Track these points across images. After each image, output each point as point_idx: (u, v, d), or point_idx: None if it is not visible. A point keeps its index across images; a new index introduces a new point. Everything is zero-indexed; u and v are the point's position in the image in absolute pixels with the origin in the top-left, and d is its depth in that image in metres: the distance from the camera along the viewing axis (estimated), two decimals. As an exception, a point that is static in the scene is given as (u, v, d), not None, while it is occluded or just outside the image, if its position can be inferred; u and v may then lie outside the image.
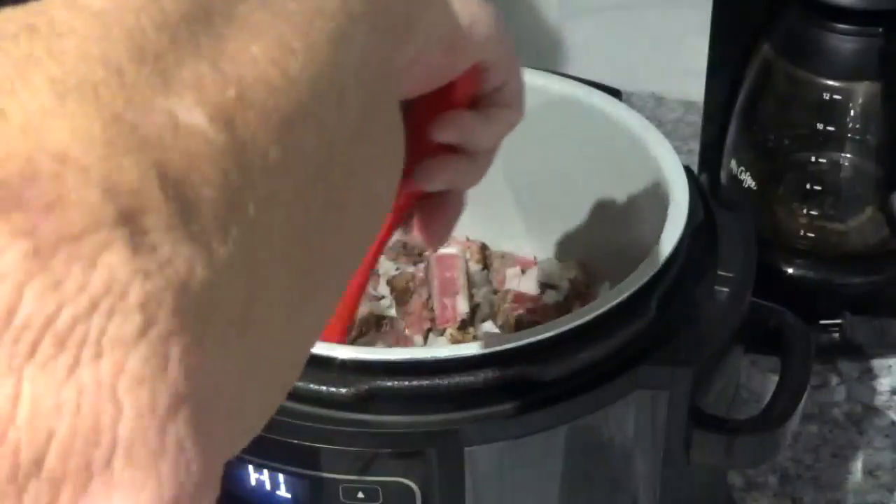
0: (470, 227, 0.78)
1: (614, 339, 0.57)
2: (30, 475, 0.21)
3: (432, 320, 0.73)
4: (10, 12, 0.24)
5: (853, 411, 0.83)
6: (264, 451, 0.56)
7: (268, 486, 0.57)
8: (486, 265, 0.77)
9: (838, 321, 0.84)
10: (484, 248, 0.79)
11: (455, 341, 0.71)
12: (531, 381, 0.55)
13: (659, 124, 0.82)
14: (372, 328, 0.73)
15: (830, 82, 0.81)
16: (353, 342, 0.72)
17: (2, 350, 0.21)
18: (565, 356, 0.55)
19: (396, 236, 0.78)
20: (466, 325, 0.72)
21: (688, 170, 0.66)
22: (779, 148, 0.86)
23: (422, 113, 0.46)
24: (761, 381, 0.84)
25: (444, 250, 0.77)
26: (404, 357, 0.55)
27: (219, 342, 0.24)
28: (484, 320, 0.74)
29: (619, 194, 0.72)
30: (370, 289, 0.75)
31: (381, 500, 0.55)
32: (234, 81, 0.25)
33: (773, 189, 0.86)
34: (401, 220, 0.53)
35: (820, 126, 0.82)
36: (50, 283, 0.21)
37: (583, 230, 0.76)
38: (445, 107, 0.47)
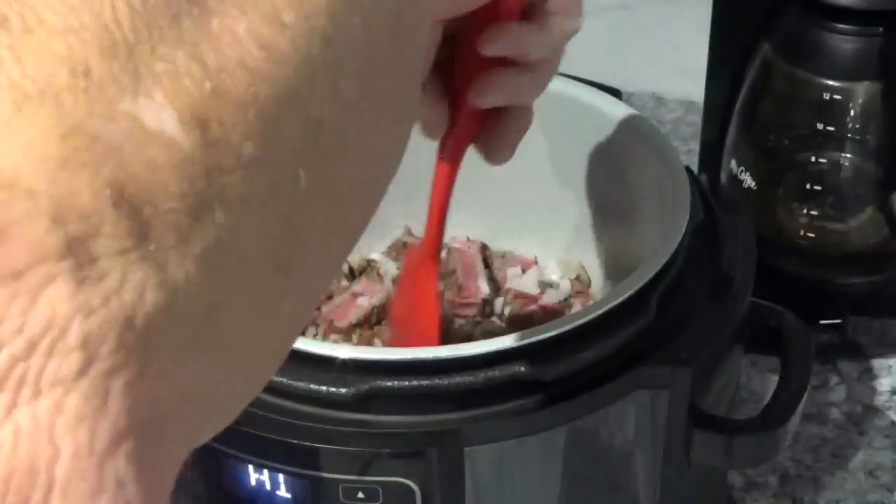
0: (470, 227, 0.78)
1: (614, 339, 0.57)
2: None
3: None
4: None
5: (853, 411, 0.83)
6: (264, 451, 0.56)
7: (268, 486, 0.57)
8: (486, 265, 0.77)
9: (838, 321, 0.84)
10: (484, 248, 0.79)
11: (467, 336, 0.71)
12: (531, 381, 0.55)
13: (659, 124, 0.82)
14: (387, 314, 0.73)
15: (830, 82, 0.81)
16: (372, 327, 0.72)
17: None
18: (565, 356, 0.55)
19: (396, 237, 0.79)
20: (488, 313, 0.73)
21: (688, 170, 0.66)
22: (779, 148, 0.86)
23: (473, 26, 0.45)
24: (761, 381, 0.84)
25: (454, 245, 0.77)
26: (404, 357, 0.55)
27: (172, 366, 0.23)
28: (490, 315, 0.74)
29: (619, 194, 0.72)
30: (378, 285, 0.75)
31: (381, 500, 0.55)
32: (213, 71, 0.24)
33: (773, 189, 0.86)
34: (468, 139, 0.52)
35: (820, 126, 0.82)
36: None
37: (583, 230, 0.76)
38: (495, 19, 0.46)
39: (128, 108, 0.23)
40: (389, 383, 0.54)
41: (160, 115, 0.23)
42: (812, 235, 0.85)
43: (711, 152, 0.90)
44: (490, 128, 0.51)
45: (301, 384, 0.54)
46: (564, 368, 0.55)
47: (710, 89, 0.88)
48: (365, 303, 0.73)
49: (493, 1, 0.43)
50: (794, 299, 0.68)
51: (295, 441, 0.55)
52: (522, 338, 0.55)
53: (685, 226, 0.62)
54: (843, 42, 0.80)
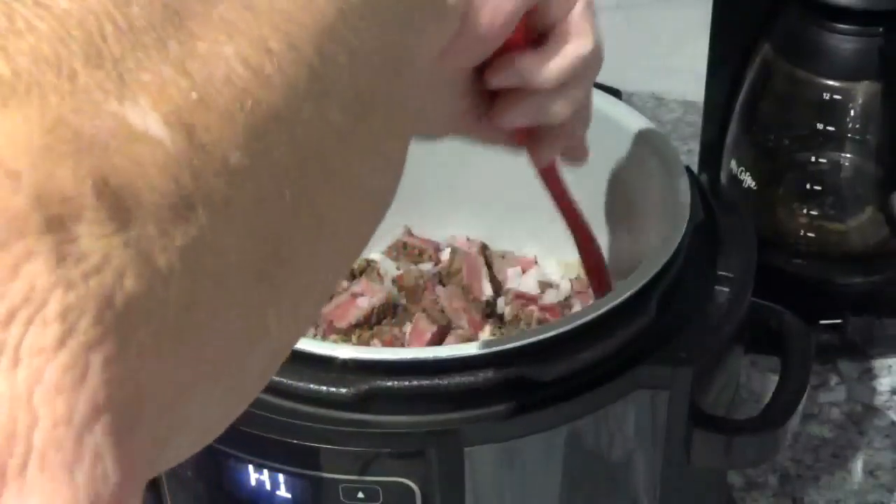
0: (470, 227, 0.79)
1: (614, 338, 0.57)
2: None
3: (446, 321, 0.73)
4: None
5: (853, 411, 0.83)
6: (264, 451, 0.56)
7: (268, 486, 0.57)
8: (486, 265, 0.77)
9: (838, 321, 0.84)
10: (484, 247, 0.79)
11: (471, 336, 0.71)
12: (531, 381, 0.55)
13: (659, 124, 0.82)
14: (387, 314, 0.73)
15: (830, 82, 0.81)
16: (372, 327, 0.72)
17: None
18: (565, 356, 0.55)
19: (396, 237, 0.79)
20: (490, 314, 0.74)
21: (688, 170, 0.66)
22: (779, 148, 0.86)
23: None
24: (761, 381, 0.84)
25: (457, 245, 0.78)
26: (404, 357, 0.55)
27: (150, 349, 0.23)
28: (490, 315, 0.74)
29: (619, 194, 0.72)
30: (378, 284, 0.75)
31: (381, 500, 0.55)
32: (200, 84, 0.25)
33: (773, 189, 0.86)
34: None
35: (820, 126, 0.82)
36: None
37: (583, 230, 0.76)
38: (501, 49, 0.46)
39: (113, 110, 0.23)
40: (389, 383, 0.54)
41: (145, 119, 0.24)
42: (812, 235, 0.85)
43: (711, 152, 0.90)
44: (532, 136, 0.53)
45: (301, 384, 0.54)
46: (564, 368, 0.55)
47: (710, 89, 0.88)
48: (365, 303, 0.73)
49: None
50: (794, 299, 0.68)
51: (295, 441, 0.55)
52: (522, 338, 0.55)
53: (685, 226, 0.62)
54: (843, 42, 0.80)
